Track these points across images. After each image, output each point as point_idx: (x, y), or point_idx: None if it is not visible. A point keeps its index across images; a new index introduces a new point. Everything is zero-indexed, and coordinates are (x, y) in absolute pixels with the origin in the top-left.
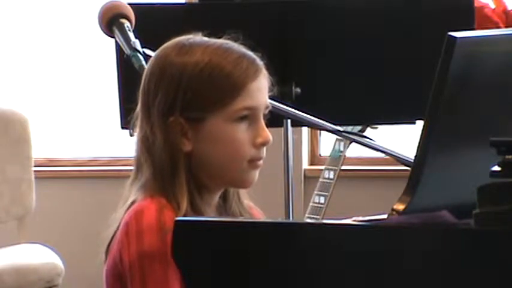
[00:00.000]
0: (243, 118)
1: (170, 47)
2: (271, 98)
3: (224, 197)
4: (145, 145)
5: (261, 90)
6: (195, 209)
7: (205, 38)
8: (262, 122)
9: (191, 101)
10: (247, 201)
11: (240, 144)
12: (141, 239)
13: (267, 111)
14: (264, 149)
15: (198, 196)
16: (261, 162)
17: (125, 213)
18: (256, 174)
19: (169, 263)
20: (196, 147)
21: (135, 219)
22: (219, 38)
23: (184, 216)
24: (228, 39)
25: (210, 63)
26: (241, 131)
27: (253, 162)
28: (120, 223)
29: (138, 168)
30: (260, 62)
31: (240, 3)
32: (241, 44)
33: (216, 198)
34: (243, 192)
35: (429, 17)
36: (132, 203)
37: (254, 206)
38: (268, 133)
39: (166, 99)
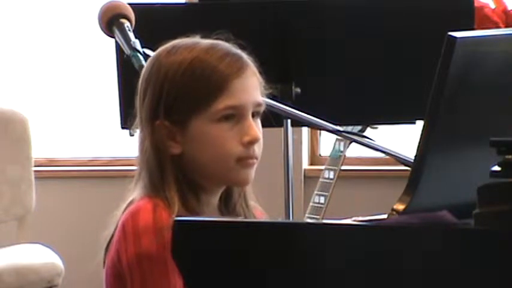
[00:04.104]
0: (228, 117)
1: (162, 49)
2: (270, 97)
3: (227, 197)
4: (141, 146)
5: (246, 88)
6: (189, 210)
7: (197, 39)
8: (250, 120)
9: (174, 104)
10: (252, 202)
11: (226, 144)
12: (139, 240)
13: (261, 109)
14: (256, 147)
15: (194, 197)
16: (252, 161)
17: (123, 212)
18: (249, 172)
19: (169, 262)
20: (185, 149)
21: (132, 220)
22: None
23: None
24: (219, 38)
25: (193, 61)
26: (226, 130)
27: (242, 161)
28: (118, 222)
29: (141, 168)
30: (247, 60)
31: (240, 3)
32: (235, 43)
33: (216, 198)
34: (249, 193)
35: (429, 17)
36: (131, 202)
37: (257, 205)
38: (255, 131)
39: (152, 103)
